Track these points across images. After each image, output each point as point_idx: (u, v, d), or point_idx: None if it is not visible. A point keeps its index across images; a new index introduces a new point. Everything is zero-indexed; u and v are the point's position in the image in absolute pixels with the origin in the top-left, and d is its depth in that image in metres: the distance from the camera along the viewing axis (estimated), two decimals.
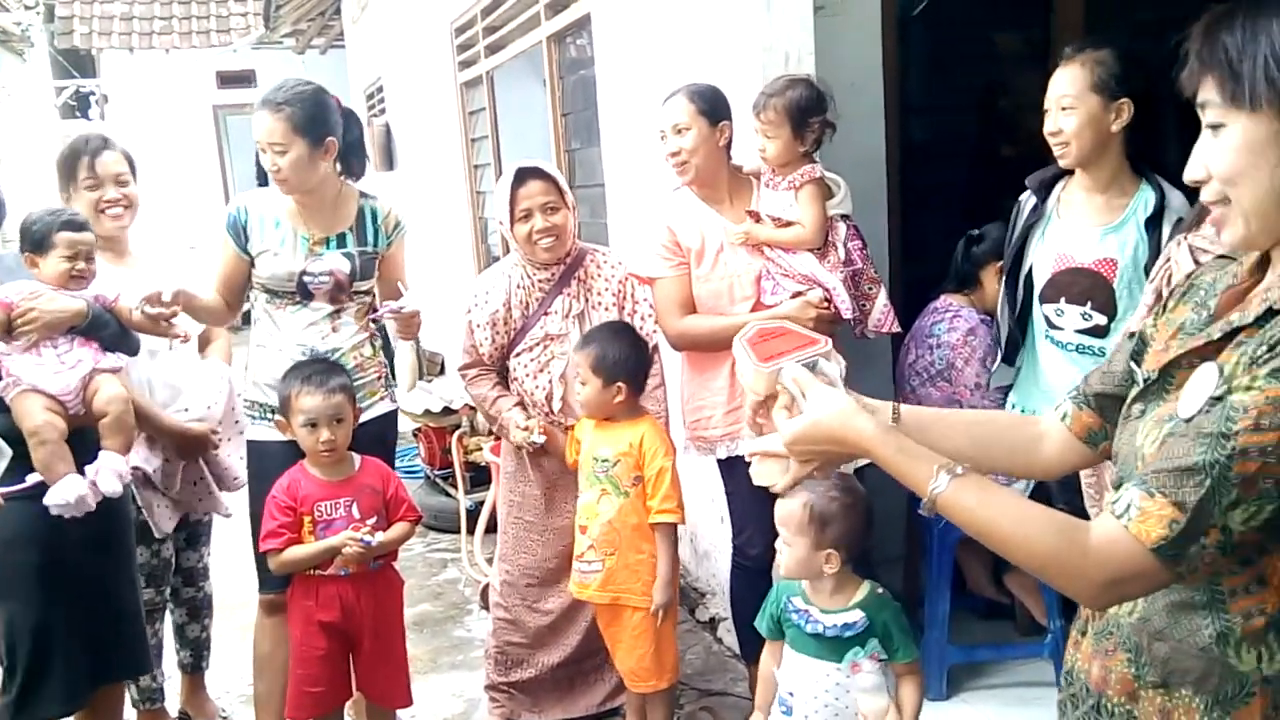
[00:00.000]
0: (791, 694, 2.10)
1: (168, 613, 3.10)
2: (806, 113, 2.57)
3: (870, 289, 2.72)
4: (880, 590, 2.12)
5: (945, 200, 4.09)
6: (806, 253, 2.62)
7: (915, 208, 3.57)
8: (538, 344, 2.80)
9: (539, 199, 2.70)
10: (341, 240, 2.74)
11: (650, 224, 2.83)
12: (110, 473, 2.34)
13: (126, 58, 12.56)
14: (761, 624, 2.23)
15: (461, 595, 4.18)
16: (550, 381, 2.80)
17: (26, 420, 2.30)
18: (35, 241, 2.46)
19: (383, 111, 8.74)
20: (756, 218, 2.65)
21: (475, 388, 2.91)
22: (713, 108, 2.65)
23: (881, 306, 2.72)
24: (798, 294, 2.58)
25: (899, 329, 2.78)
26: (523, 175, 2.71)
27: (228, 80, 12.64)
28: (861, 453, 1.26)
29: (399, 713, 2.88)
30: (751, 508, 2.79)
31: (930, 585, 3.01)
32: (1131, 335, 1.33)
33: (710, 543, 3.57)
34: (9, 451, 1.88)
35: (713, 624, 3.62)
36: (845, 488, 2.09)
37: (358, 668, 2.67)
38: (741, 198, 2.73)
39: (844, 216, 2.69)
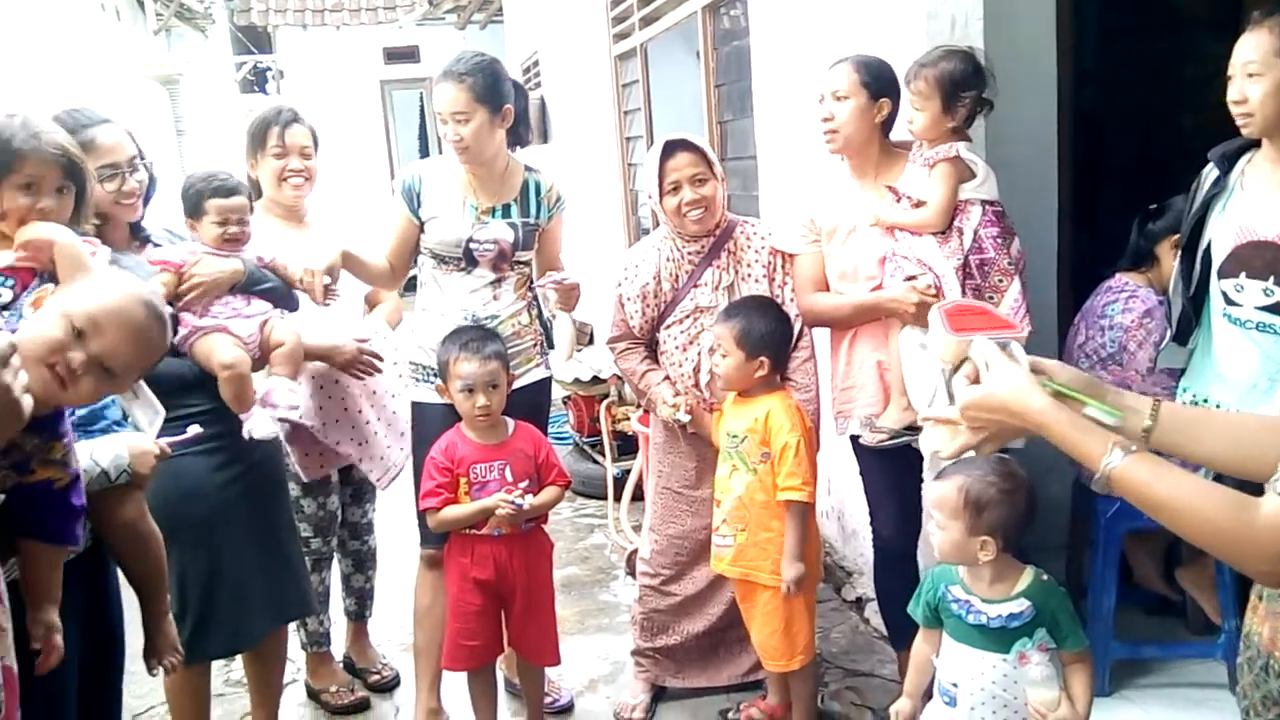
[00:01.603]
0: (955, 685, 2.04)
1: (335, 563, 3.27)
2: (959, 85, 2.44)
3: (1001, 281, 2.48)
4: (1045, 576, 2.03)
5: (1120, 174, 3.87)
6: (930, 236, 2.48)
7: (1088, 181, 3.40)
8: (688, 316, 2.81)
9: (687, 171, 2.70)
10: (506, 210, 2.82)
11: (797, 198, 2.79)
12: (284, 390, 2.50)
13: (300, 34, 13.22)
14: (916, 612, 2.16)
15: (607, 560, 4.26)
16: (699, 354, 2.80)
17: (219, 354, 2.41)
18: (191, 207, 2.61)
19: (538, 85, 8.88)
20: (898, 196, 2.55)
21: (624, 361, 2.94)
22: (877, 81, 2.57)
23: (1011, 301, 2.48)
24: (910, 278, 2.47)
25: (1030, 328, 2.46)
26: (671, 148, 2.72)
27: (393, 56, 13.16)
28: (1033, 426, 1.30)
29: (547, 671, 2.97)
30: (881, 490, 2.76)
31: (1095, 577, 2.88)
32: None
33: (858, 521, 3.52)
34: (163, 411, 1.96)
35: (859, 604, 3.58)
36: (1004, 473, 2.00)
37: (510, 625, 2.76)
38: (888, 174, 2.63)
39: (986, 202, 2.50)
